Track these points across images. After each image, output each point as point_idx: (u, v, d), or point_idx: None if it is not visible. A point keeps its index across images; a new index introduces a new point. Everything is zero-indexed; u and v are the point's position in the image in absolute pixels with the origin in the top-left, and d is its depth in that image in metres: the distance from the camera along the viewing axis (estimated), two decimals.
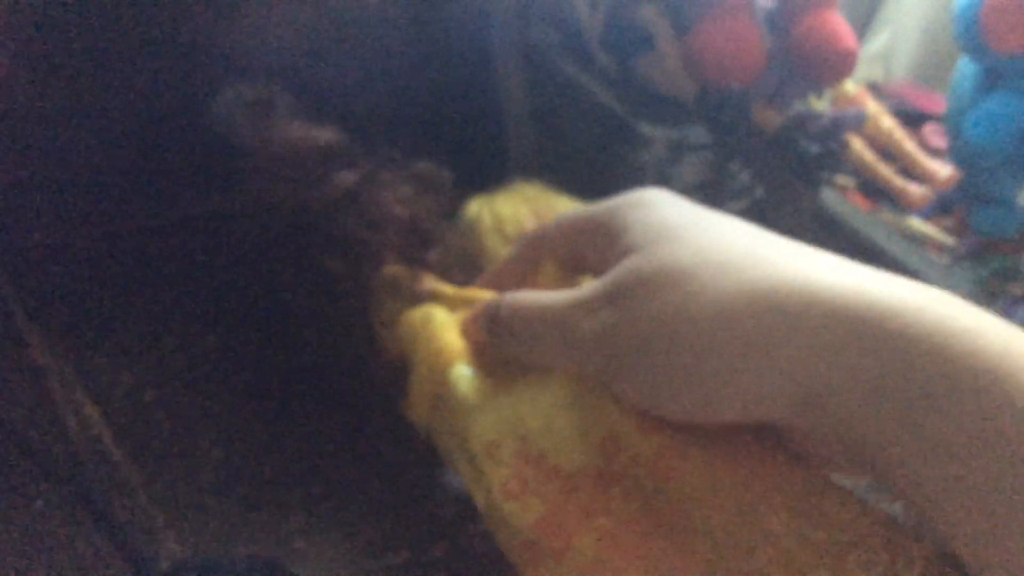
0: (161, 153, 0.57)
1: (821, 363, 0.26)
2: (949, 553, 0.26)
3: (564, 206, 0.50)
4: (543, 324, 0.34)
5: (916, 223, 0.92)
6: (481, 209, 0.49)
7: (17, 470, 0.46)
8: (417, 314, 0.41)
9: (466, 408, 0.36)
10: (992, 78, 0.82)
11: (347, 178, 0.47)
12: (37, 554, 0.44)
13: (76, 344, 0.52)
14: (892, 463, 0.26)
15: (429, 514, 0.50)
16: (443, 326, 0.39)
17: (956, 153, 0.91)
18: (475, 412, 0.36)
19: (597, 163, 0.69)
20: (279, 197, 0.46)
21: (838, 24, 0.66)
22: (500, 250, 0.47)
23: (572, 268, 0.38)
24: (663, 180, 0.68)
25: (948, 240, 0.91)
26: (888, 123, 0.95)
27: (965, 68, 0.86)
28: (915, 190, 0.91)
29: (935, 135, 1.03)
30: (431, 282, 0.43)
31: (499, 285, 0.41)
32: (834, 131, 0.68)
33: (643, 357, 0.30)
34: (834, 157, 0.68)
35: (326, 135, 0.48)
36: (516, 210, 0.49)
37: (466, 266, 0.47)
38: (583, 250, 0.36)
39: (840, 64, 0.66)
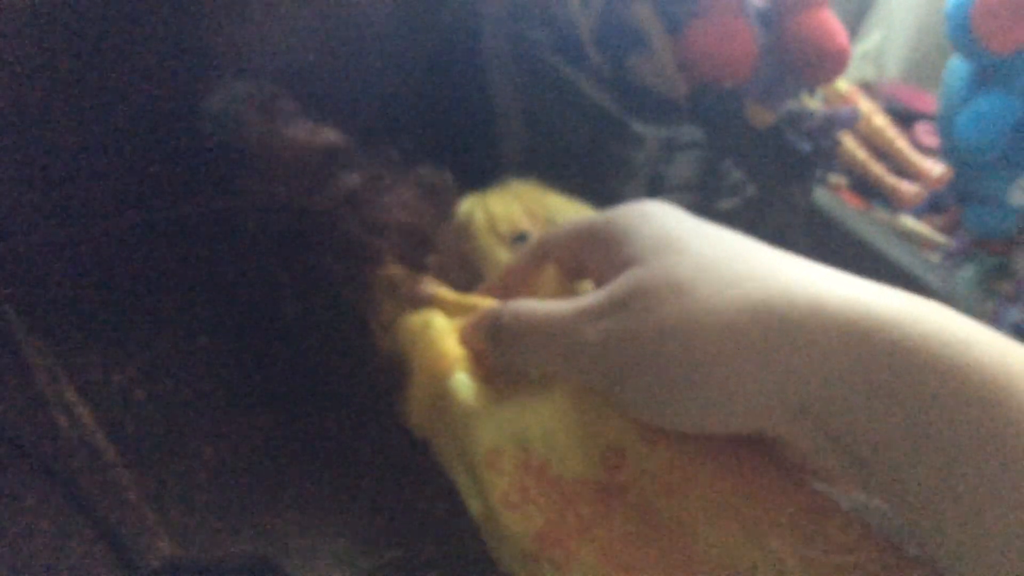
0: (154, 151, 0.56)
1: (818, 374, 0.26)
2: None
3: (557, 204, 0.50)
4: (545, 333, 0.34)
5: (908, 222, 0.92)
6: (474, 207, 0.50)
7: (8, 469, 0.46)
8: (416, 320, 0.41)
9: (466, 416, 0.36)
10: (983, 77, 0.83)
11: (349, 181, 0.47)
12: (28, 553, 0.44)
13: (67, 343, 0.52)
14: (886, 472, 0.26)
15: (422, 513, 0.50)
16: (442, 333, 0.39)
17: (947, 152, 0.92)
18: (475, 420, 0.35)
19: (590, 161, 0.69)
20: (280, 198, 0.46)
21: (830, 22, 0.66)
22: (494, 248, 0.47)
23: (573, 276, 0.38)
24: (656, 178, 0.68)
25: (940, 239, 0.91)
26: (880, 121, 0.95)
27: (956, 67, 0.87)
28: (907, 188, 0.91)
29: (927, 134, 1.03)
30: (431, 286, 0.43)
31: (501, 292, 0.41)
32: (826, 129, 0.68)
33: (644, 368, 0.30)
34: (826, 155, 0.69)
35: (329, 136, 0.48)
36: (509, 208, 0.49)
37: (460, 264, 0.47)
38: (584, 259, 0.36)
39: (832, 63, 0.66)
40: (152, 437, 0.50)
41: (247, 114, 0.50)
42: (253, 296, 0.51)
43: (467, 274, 0.46)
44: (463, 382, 0.37)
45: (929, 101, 1.07)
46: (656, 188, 0.68)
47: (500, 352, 0.36)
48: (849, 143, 0.92)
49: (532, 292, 0.39)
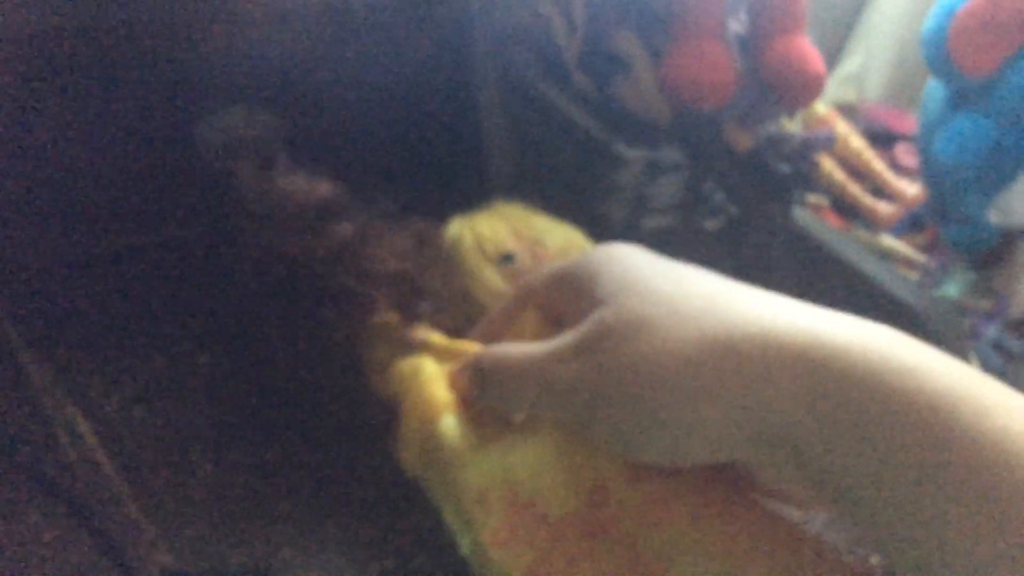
0: (154, 177, 0.57)
1: (777, 404, 0.27)
2: None
3: (543, 225, 0.51)
4: (521, 375, 0.35)
5: (888, 240, 0.93)
6: (462, 229, 0.50)
7: (10, 484, 0.47)
8: (407, 365, 0.42)
9: (455, 458, 0.37)
10: (960, 99, 0.84)
11: (342, 231, 0.48)
12: (31, 566, 0.45)
13: (68, 361, 0.53)
14: (847, 495, 0.27)
15: (414, 524, 0.51)
16: (432, 378, 0.40)
17: (926, 172, 0.93)
18: (464, 462, 0.36)
19: (575, 183, 0.70)
20: (275, 249, 0.47)
21: (807, 49, 0.67)
22: (481, 268, 0.48)
23: (554, 319, 0.39)
24: (640, 199, 0.69)
25: (919, 257, 0.92)
26: (857, 143, 0.97)
27: (934, 89, 0.88)
28: (884, 208, 0.93)
29: (907, 154, 1.05)
30: (422, 332, 0.44)
31: (488, 337, 0.42)
32: (804, 152, 0.69)
33: (612, 405, 0.31)
34: (804, 177, 0.70)
35: (323, 189, 0.49)
36: (496, 229, 0.50)
37: (452, 308, 0.48)
38: (559, 302, 0.38)
39: (809, 87, 0.67)
40: (151, 453, 0.51)
41: (245, 168, 0.51)
42: (248, 317, 0.52)
43: (459, 317, 0.47)
44: (452, 425, 0.38)
45: (909, 122, 1.08)
46: (640, 209, 0.69)
47: (483, 394, 0.37)
48: (827, 164, 0.93)
49: (516, 337, 0.40)
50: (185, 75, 0.56)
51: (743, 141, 0.68)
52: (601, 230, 0.52)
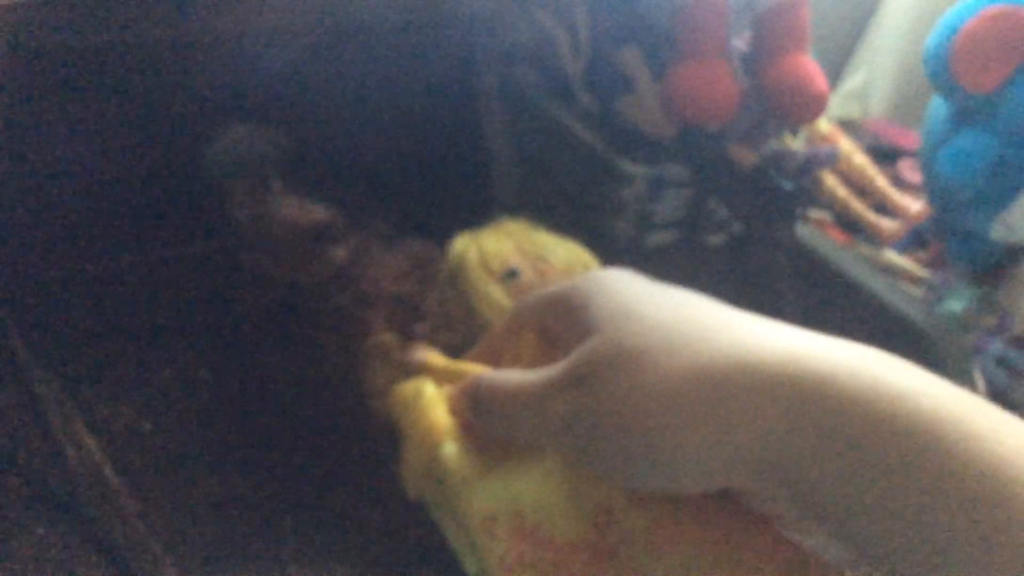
0: (162, 193, 0.58)
1: (766, 433, 0.27)
2: None
3: (547, 241, 0.51)
4: (516, 405, 0.35)
5: (892, 256, 0.93)
6: (468, 245, 0.50)
7: (18, 499, 0.47)
8: (407, 389, 0.41)
9: (458, 485, 0.36)
10: (962, 116, 0.84)
11: (338, 255, 0.48)
12: None
13: (75, 377, 0.53)
14: (840, 520, 0.27)
15: (419, 542, 0.51)
16: (432, 402, 0.40)
17: (929, 188, 0.93)
18: (468, 488, 0.36)
19: (580, 200, 0.71)
20: (272, 274, 0.47)
21: (810, 67, 0.68)
22: (486, 284, 0.48)
23: (550, 341, 0.39)
24: (644, 216, 0.69)
25: (923, 273, 0.92)
26: (860, 160, 0.97)
27: (937, 106, 0.88)
28: (887, 224, 0.93)
29: (910, 170, 1.05)
30: (421, 353, 0.44)
31: (486, 357, 0.42)
32: (807, 168, 0.70)
33: (606, 437, 0.31)
34: (807, 193, 0.70)
35: (318, 213, 0.50)
36: (501, 245, 0.50)
37: (449, 328, 0.48)
38: (553, 326, 0.38)
39: (811, 105, 0.68)
40: (157, 469, 0.51)
41: (242, 194, 0.51)
42: (252, 332, 0.52)
43: (460, 335, 0.47)
44: (454, 452, 0.38)
45: (912, 138, 1.08)
46: (644, 225, 0.70)
47: (482, 422, 0.37)
48: (831, 181, 0.93)
49: (515, 357, 0.40)
50: (194, 95, 0.57)
51: (746, 158, 0.69)
52: (605, 246, 0.52)
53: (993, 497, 0.24)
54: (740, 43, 0.72)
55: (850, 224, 0.95)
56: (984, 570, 0.24)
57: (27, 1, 0.46)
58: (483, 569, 0.35)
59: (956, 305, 0.88)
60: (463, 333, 0.47)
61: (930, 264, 0.95)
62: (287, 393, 0.50)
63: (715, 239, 0.75)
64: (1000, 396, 0.80)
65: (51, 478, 0.48)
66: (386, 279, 0.48)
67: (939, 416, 0.25)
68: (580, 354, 0.33)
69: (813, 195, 0.71)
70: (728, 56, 0.68)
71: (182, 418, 0.54)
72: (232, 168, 0.54)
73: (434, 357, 0.43)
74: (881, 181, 0.97)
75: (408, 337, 0.46)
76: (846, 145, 0.97)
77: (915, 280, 0.92)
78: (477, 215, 0.53)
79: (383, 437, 0.43)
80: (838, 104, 1.21)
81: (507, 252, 0.49)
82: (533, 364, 0.39)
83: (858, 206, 0.94)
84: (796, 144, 0.76)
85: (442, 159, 0.70)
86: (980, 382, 0.76)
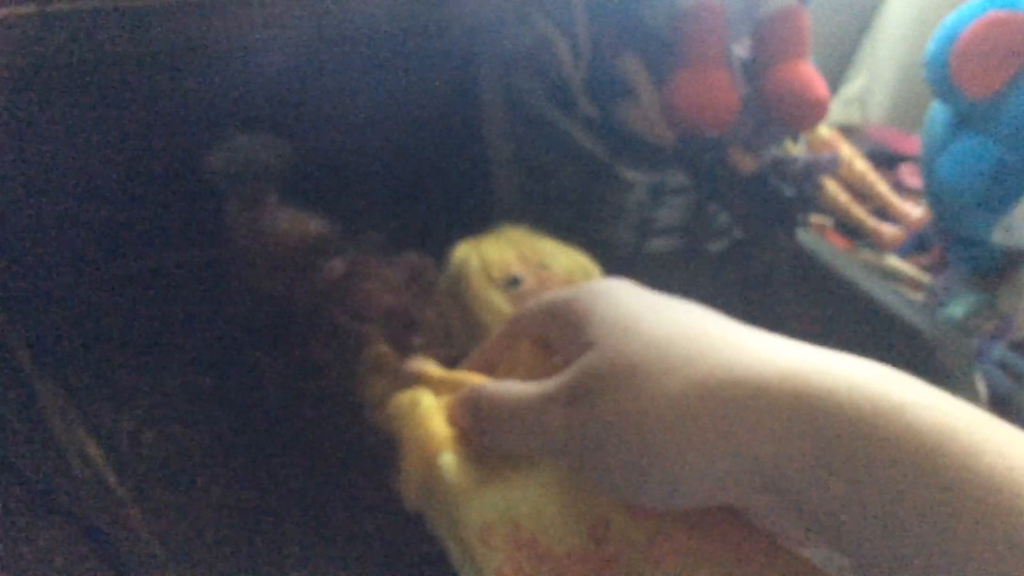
0: (165, 202, 0.58)
1: (768, 448, 0.27)
2: None
3: (549, 248, 0.51)
4: (514, 417, 0.35)
5: (893, 261, 0.93)
6: (469, 252, 0.50)
7: (23, 507, 0.47)
8: (405, 399, 0.41)
9: (456, 495, 0.36)
10: (963, 121, 0.84)
11: (334, 269, 0.48)
12: None
13: (79, 385, 0.53)
14: (843, 535, 0.27)
15: (419, 550, 0.51)
16: (430, 412, 0.40)
17: (930, 193, 0.93)
18: (465, 499, 0.36)
19: (581, 206, 0.71)
20: (268, 289, 0.48)
21: (809, 73, 0.68)
22: (488, 291, 0.48)
23: (546, 350, 0.39)
24: (645, 222, 0.69)
25: (925, 278, 0.92)
26: (861, 165, 0.98)
27: (937, 111, 0.88)
28: (888, 230, 0.93)
29: (911, 175, 1.05)
30: (418, 363, 0.44)
31: (482, 365, 0.42)
32: (808, 174, 0.70)
33: (604, 452, 0.31)
34: (808, 199, 0.70)
35: (314, 226, 0.50)
36: (502, 253, 0.50)
37: (445, 340, 0.48)
38: (550, 337, 0.38)
39: (811, 111, 0.68)
40: (161, 477, 0.52)
41: (238, 209, 0.51)
42: (253, 342, 0.52)
43: (457, 345, 0.47)
44: (451, 462, 0.37)
45: (913, 144, 1.08)
46: (645, 232, 0.70)
47: (480, 432, 0.37)
48: (832, 187, 0.94)
49: (511, 366, 0.40)
50: (196, 103, 0.57)
51: (747, 164, 0.69)
52: (606, 253, 0.52)
53: (994, 511, 0.24)
54: (740, 50, 0.72)
55: (851, 229, 0.95)
56: None
57: (28, 13, 0.46)
58: None
59: (958, 310, 0.88)
60: (463, 343, 0.47)
61: (931, 269, 0.95)
62: (287, 401, 0.50)
63: (716, 245, 0.75)
64: (1002, 400, 0.80)
65: (54, 485, 0.48)
66: (382, 292, 0.48)
67: (940, 430, 0.25)
68: (579, 368, 0.33)
69: (814, 201, 0.71)
70: (728, 63, 0.68)
71: (184, 426, 0.54)
72: (233, 175, 0.54)
73: (431, 367, 0.43)
74: (882, 186, 0.97)
75: (404, 349, 0.46)
76: (847, 151, 0.98)
77: (916, 285, 0.92)
78: (478, 222, 0.53)
79: (381, 447, 0.43)
80: (839, 110, 1.21)
81: (508, 259, 0.50)
82: (530, 373, 0.39)
83: (859, 212, 0.94)
84: (797, 150, 0.77)
85: (443, 166, 0.70)
86: (982, 387, 0.76)
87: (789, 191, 0.69)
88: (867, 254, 0.93)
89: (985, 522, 0.24)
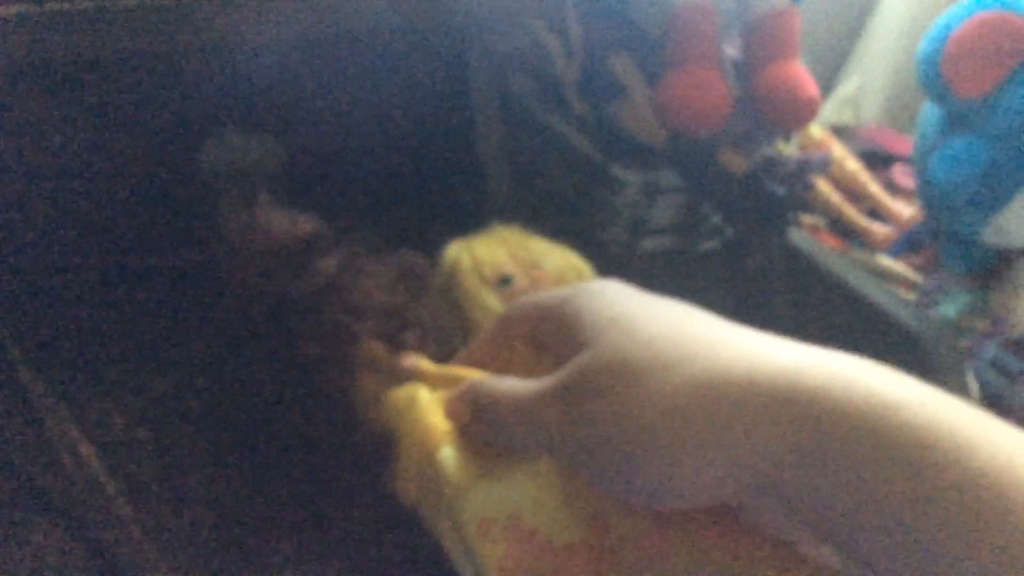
0: (158, 200, 0.58)
1: (762, 447, 0.27)
2: None
3: (541, 248, 0.52)
4: (511, 414, 0.35)
5: (885, 261, 0.93)
6: (460, 252, 0.51)
7: (15, 506, 0.47)
8: (402, 395, 0.41)
9: (456, 490, 0.36)
10: (955, 121, 0.84)
11: (327, 266, 0.48)
12: None
13: (71, 384, 0.53)
14: (838, 533, 0.27)
15: (416, 548, 0.51)
16: (427, 408, 0.40)
17: (922, 193, 0.93)
18: (465, 493, 0.36)
19: (573, 206, 0.71)
20: (260, 287, 0.48)
21: (800, 73, 0.68)
22: (479, 290, 0.49)
23: (538, 349, 0.39)
24: (637, 222, 0.70)
25: (917, 277, 0.93)
26: (853, 165, 0.98)
27: (929, 112, 0.89)
28: (879, 229, 0.94)
29: (904, 175, 1.05)
30: (412, 359, 0.44)
31: (477, 362, 0.42)
32: (799, 174, 0.70)
33: (598, 451, 0.31)
34: (799, 199, 0.70)
35: (307, 225, 0.50)
36: (494, 252, 0.50)
37: (438, 337, 0.48)
38: (543, 337, 0.38)
39: (802, 111, 0.68)
40: (153, 476, 0.51)
41: (229, 207, 0.51)
42: (245, 340, 0.52)
43: (450, 343, 0.47)
44: (450, 457, 0.37)
45: (906, 144, 1.08)
46: (637, 231, 0.70)
47: (477, 427, 0.37)
48: (823, 187, 0.94)
49: (505, 362, 0.40)
50: (189, 103, 0.57)
51: (738, 164, 0.69)
52: (599, 252, 0.53)
53: (987, 508, 0.24)
54: (731, 50, 0.72)
55: (844, 229, 0.96)
56: None
57: (23, 12, 0.46)
58: (480, 573, 0.35)
59: (950, 309, 0.88)
60: (455, 341, 0.48)
61: (924, 268, 0.95)
62: (281, 400, 0.50)
63: (708, 245, 0.76)
64: (995, 400, 0.80)
65: (47, 484, 0.48)
66: (376, 290, 0.48)
67: (934, 428, 0.26)
68: (572, 368, 0.33)
69: (805, 201, 0.72)
70: (720, 63, 0.68)
71: (177, 424, 0.54)
72: (226, 174, 0.55)
73: (425, 363, 0.43)
74: (873, 186, 0.97)
75: (398, 347, 0.46)
76: (838, 151, 0.98)
77: (909, 285, 0.92)
78: (470, 221, 0.53)
79: (374, 444, 0.43)
80: (832, 110, 1.22)
81: (500, 258, 0.50)
82: (524, 369, 0.39)
83: (851, 211, 0.94)
84: (788, 150, 0.77)
85: (435, 165, 0.70)
86: (974, 386, 0.77)
87: (780, 191, 0.70)
88: (859, 254, 0.94)
89: (980, 519, 0.24)
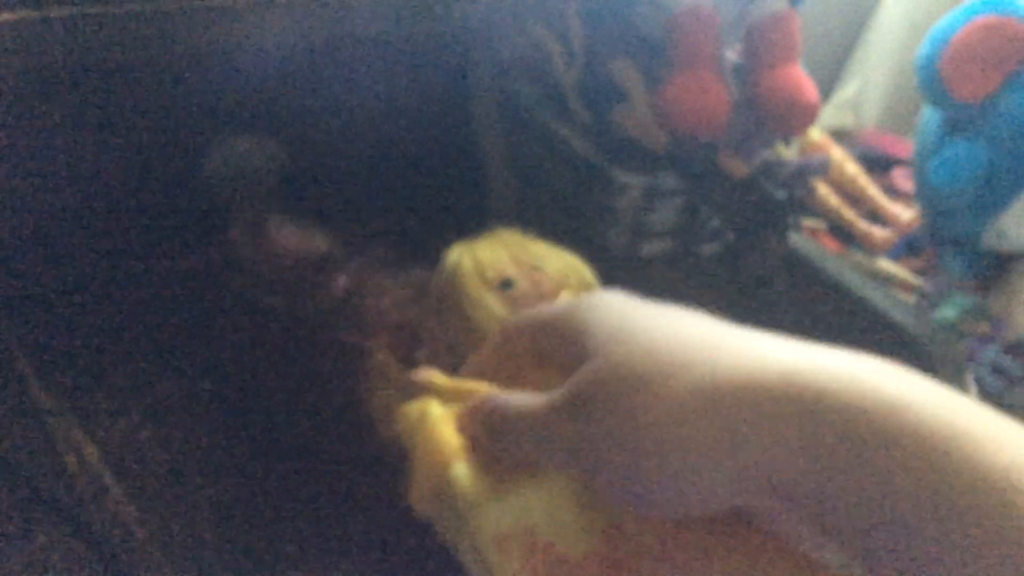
0: (163, 205, 0.58)
1: (771, 449, 0.27)
2: None
3: (542, 251, 0.52)
4: (522, 429, 0.35)
5: (885, 264, 0.94)
6: (462, 255, 0.51)
7: (20, 507, 0.47)
8: (414, 410, 0.41)
9: (470, 506, 0.36)
10: (953, 124, 0.84)
11: (340, 285, 0.48)
12: None
13: (76, 387, 0.54)
14: (850, 535, 0.27)
15: (414, 547, 0.51)
16: (439, 422, 0.39)
17: (922, 196, 0.93)
18: (479, 508, 0.36)
19: (574, 209, 0.71)
20: (273, 306, 0.48)
21: (800, 78, 0.68)
22: (481, 293, 0.49)
23: (539, 361, 0.39)
24: (638, 225, 0.70)
25: (917, 281, 0.93)
26: (852, 169, 0.98)
27: (929, 115, 0.89)
28: (878, 233, 0.94)
29: (904, 179, 1.06)
30: (423, 373, 0.43)
31: (483, 374, 0.42)
32: (799, 178, 0.70)
33: (609, 461, 0.31)
34: (799, 202, 0.71)
35: (318, 243, 0.50)
36: (496, 255, 0.50)
37: (449, 349, 0.48)
38: (546, 350, 0.38)
39: (802, 115, 0.68)
40: (158, 478, 0.52)
41: (242, 229, 0.51)
42: (250, 343, 0.52)
43: (458, 352, 0.48)
44: (464, 472, 0.37)
45: (906, 147, 1.08)
46: (638, 235, 0.70)
47: (491, 443, 0.37)
48: (823, 190, 0.94)
49: (510, 373, 0.40)
50: (194, 110, 0.57)
51: (739, 168, 0.69)
52: (599, 256, 0.53)
53: (994, 506, 0.24)
54: (732, 54, 0.73)
55: (845, 232, 0.96)
56: None
57: (27, 18, 0.46)
58: None
59: (950, 312, 0.88)
60: (458, 345, 0.48)
61: (923, 272, 0.95)
62: (286, 402, 0.50)
63: (709, 248, 0.76)
64: (994, 403, 0.80)
65: (52, 486, 0.48)
66: (388, 308, 0.48)
67: (945, 425, 0.25)
68: (579, 379, 0.33)
69: (805, 204, 0.72)
70: (720, 67, 0.68)
71: (181, 428, 0.55)
72: (231, 180, 0.55)
73: (437, 377, 0.43)
74: (872, 190, 0.97)
75: (409, 363, 0.46)
76: (838, 154, 0.98)
77: (908, 288, 0.92)
78: (472, 225, 0.53)
79: (383, 452, 0.43)
80: (832, 114, 1.22)
81: (502, 262, 0.50)
82: (530, 382, 0.39)
83: (850, 215, 0.94)
84: (788, 154, 0.77)
85: (437, 169, 0.71)
86: (973, 389, 0.77)
87: (780, 194, 0.70)
88: (859, 257, 0.94)
89: (989, 518, 0.24)
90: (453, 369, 0.45)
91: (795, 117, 0.68)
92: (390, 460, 0.42)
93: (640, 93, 0.69)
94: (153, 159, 0.58)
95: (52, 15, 0.48)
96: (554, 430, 0.33)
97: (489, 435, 0.37)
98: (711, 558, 0.32)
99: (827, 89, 1.26)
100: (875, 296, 0.78)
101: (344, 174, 0.66)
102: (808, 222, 0.95)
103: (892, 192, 1.02)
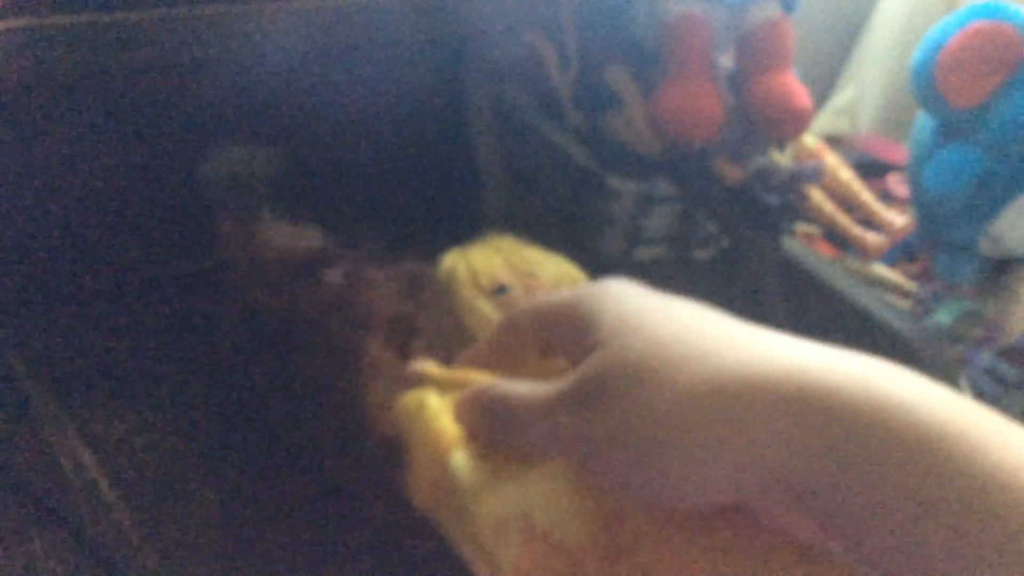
0: (160, 212, 0.58)
1: (775, 445, 0.27)
2: None
3: (536, 257, 0.52)
4: (524, 418, 0.35)
5: (880, 270, 0.94)
6: (457, 261, 0.51)
7: (15, 513, 0.47)
8: (411, 401, 0.41)
9: (469, 493, 0.36)
10: (948, 130, 0.85)
11: (334, 280, 0.48)
12: None
13: (71, 392, 0.54)
14: (851, 532, 0.27)
15: (423, 556, 0.50)
16: (437, 412, 0.39)
17: (917, 201, 0.93)
18: (478, 496, 0.36)
19: (569, 215, 0.71)
20: (265, 304, 0.48)
21: (793, 84, 0.69)
22: (475, 300, 0.49)
23: (542, 352, 0.39)
24: (633, 231, 0.70)
25: (911, 286, 0.93)
26: (846, 175, 0.98)
27: (923, 121, 0.89)
28: (872, 238, 0.94)
29: (899, 184, 1.06)
30: (419, 365, 0.43)
31: (482, 364, 0.42)
32: (793, 183, 0.71)
33: (615, 451, 0.31)
34: (793, 208, 0.71)
35: (310, 240, 0.50)
36: (490, 261, 0.50)
37: (444, 342, 0.48)
38: (552, 340, 0.38)
39: (795, 121, 0.68)
40: (153, 483, 0.52)
41: (232, 226, 0.51)
42: (247, 349, 0.52)
43: (452, 351, 0.48)
44: (462, 461, 0.37)
45: (901, 153, 1.09)
46: (632, 241, 0.70)
47: (491, 431, 0.37)
48: (817, 196, 0.94)
49: (510, 364, 0.40)
50: (189, 115, 0.57)
51: (732, 173, 0.70)
52: (594, 262, 0.53)
53: (1001, 507, 0.24)
54: (725, 61, 0.73)
55: (839, 238, 0.96)
56: None
57: (25, 25, 0.46)
58: None
59: (945, 317, 0.88)
60: (451, 352, 0.48)
61: (918, 277, 0.95)
62: (282, 405, 0.51)
63: (703, 254, 0.76)
64: (989, 408, 0.80)
65: (47, 492, 0.48)
66: (382, 302, 0.48)
67: (946, 424, 0.26)
68: (587, 368, 0.33)
69: (799, 210, 0.72)
70: (714, 73, 0.69)
71: (177, 433, 0.55)
72: (226, 184, 0.55)
73: (433, 367, 0.43)
74: (866, 195, 0.98)
75: (405, 356, 0.46)
76: (832, 160, 0.98)
77: (903, 293, 0.92)
78: (466, 231, 0.53)
79: (381, 449, 0.43)
80: (827, 120, 1.22)
81: (496, 268, 0.50)
82: (529, 370, 0.39)
83: (844, 220, 0.95)
84: (782, 160, 0.77)
85: (432, 175, 0.71)
86: (968, 394, 0.77)
87: (774, 200, 0.70)
88: (854, 262, 0.94)
89: (992, 518, 0.24)
90: (446, 361, 0.44)
91: (788, 123, 0.69)
92: (389, 462, 0.42)
93: (634, 99, 0.69)
94: (150, 164, 0.58)
95: (52, 23, 0.48)
96: (559, 418, 0.33)
97: (490, 423, 0.37)
98: (713, 549, 0.32)
99: (823, 95, 1.26)
100: (870, 301, 0.78)
101: (338, 180, 0.66)
102: (802, 228, 0.96)
103: (887, 197, 1.03)
